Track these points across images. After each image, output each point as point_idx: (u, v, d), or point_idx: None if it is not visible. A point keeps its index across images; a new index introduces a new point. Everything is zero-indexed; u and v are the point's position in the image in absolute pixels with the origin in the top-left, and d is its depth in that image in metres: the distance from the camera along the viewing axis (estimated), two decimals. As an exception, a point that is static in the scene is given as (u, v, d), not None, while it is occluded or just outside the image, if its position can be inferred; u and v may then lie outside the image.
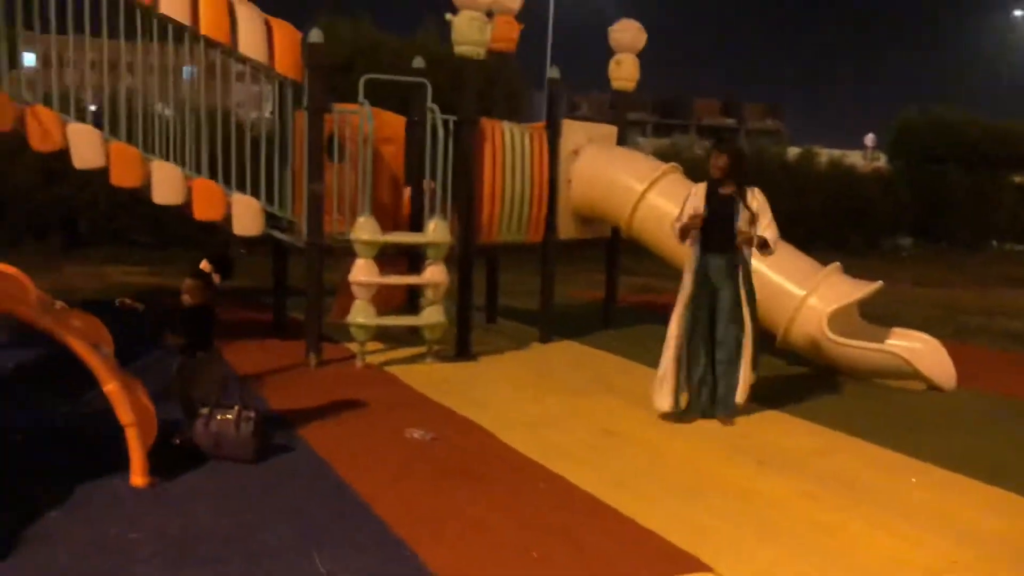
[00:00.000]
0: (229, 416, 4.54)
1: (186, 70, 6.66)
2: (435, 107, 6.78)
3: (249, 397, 4.87)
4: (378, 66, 9.30)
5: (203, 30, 6.36)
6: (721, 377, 5.68)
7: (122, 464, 4.13)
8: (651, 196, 7.63)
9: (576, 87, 58.24)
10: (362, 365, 6.75)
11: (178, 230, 13.36)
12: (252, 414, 4.57)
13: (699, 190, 5.73)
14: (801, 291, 6.86)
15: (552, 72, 8.02)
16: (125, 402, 4.12)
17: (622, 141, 8.75)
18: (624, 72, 8.65)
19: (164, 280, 11.50)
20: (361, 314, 6.58)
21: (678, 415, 5.63)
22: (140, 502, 3.95)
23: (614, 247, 8.89)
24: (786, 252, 7.26)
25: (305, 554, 3.47)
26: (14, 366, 6.24)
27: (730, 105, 59.47)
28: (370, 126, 6.60)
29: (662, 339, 8.40)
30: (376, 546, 3.58)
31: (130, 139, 6.38)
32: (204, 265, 4.79)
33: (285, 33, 6.70)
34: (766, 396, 6.19)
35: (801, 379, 7.04)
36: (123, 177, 6.29)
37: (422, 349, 7.07)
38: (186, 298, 4.65)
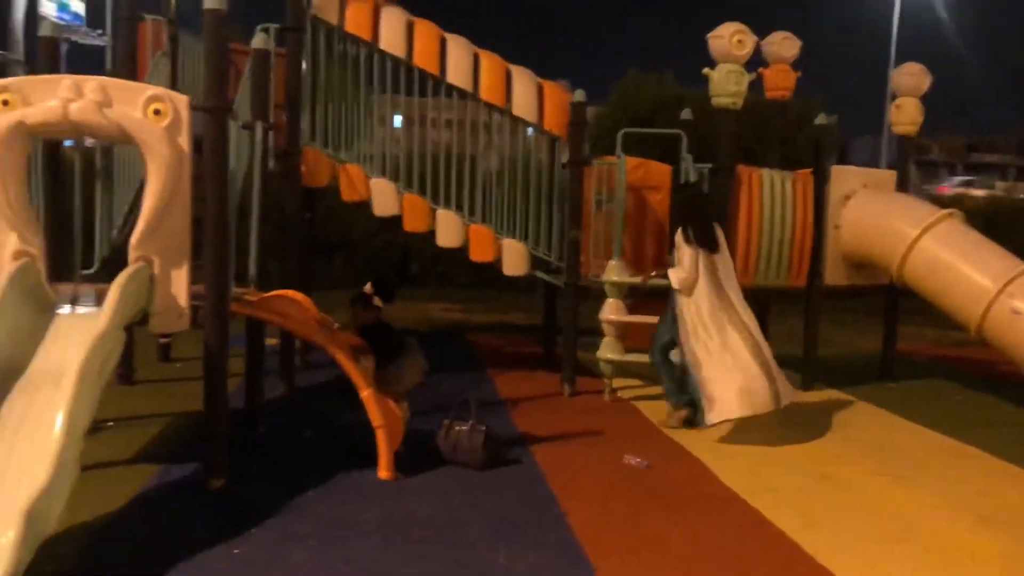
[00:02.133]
0: (464, 428, 5.24)
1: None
2: (688, 156, 7.13)
3: (478, 414, 5.40)
4: (677, 119, 9.48)
5: (482, 95, 7.28)
6: None
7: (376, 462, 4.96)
8: (925, 241, 7.35)
9: (925, 130, 54.48)
10: (609, 398, 7.20)
11: (492, 273, 14.70)
12: (483, 428, 5.22)
13: None
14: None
15: (820, 119, 8.00)
16: (376, 407, 4.95)
17: (904, 187, 8.44)
18: (905, 116, 8.38)
19: (469, 316, 12.79)
20: (608, 350, 7.06)
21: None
22: (380, 491, 4.72)
23: (893, 293, 8.54)
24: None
25: (494, 547, 4.00)
26: (324, 381, 7.47)
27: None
28: (622, 177, 7.10)
29: (941, 394, 8.04)
30: (556, 549, 4.01)
31: (422, 190, 7.41)
32: (368, 288, 5.60)
33: (555, 95, 7.45)
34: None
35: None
36: (413, 223, 7.35)
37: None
38: (355, 320, 5.52)
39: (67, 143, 5.89)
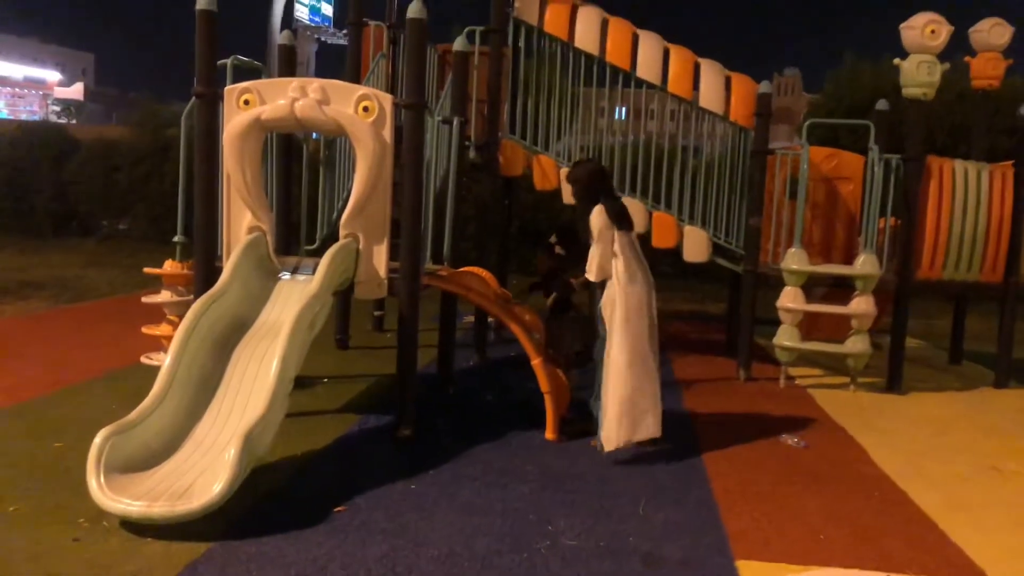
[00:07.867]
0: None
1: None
2: (875, 147, 7.10)
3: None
4: (897, 107, 9.24)
5: (670, 88, 7.61)
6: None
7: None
8: None
9: None
10: (784, 384, 7.33)
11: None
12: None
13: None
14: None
15: (1023, 110, 7.66)
16: (545, 375, 5.48)
17: None
18: None
19: (665, 305, 13.01)
20: (785, 337, 7.19)
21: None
22: (544, 449, 5.26)
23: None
24: None
25: (636, 501, 4.42)
26: (513, 354, 8.10)
27: None
28: (805, 166, 7.19)
29: None
30: (693, 508, 4.36)
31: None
32: (552, 239, 6.23)
33: (742, 86, 7.64)
34: None
35: None
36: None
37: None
38: (539, 267, 6.34)
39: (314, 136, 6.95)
